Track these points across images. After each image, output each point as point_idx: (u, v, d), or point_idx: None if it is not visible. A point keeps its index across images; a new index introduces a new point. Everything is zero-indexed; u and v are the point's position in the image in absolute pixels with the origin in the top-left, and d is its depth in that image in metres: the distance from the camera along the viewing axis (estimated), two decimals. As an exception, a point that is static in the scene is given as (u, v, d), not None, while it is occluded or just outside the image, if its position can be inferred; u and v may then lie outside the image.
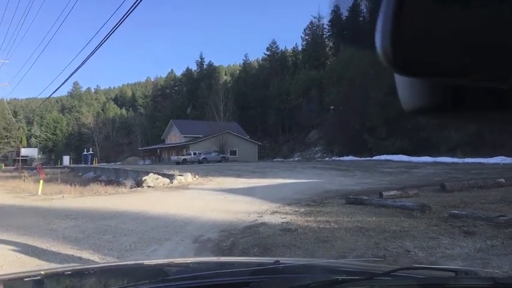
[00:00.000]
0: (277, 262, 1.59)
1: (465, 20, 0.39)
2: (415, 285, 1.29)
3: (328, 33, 66.56)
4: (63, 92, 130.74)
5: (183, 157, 44.13)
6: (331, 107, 46.31)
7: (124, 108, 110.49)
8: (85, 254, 6.28)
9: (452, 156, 25.93)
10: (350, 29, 0.57)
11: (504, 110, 0.48)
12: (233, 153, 49.10)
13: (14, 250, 6.59)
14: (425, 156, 27.73)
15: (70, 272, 1.93)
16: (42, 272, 1.90)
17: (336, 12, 0.60)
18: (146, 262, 2.91)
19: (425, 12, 0.40)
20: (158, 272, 1.88)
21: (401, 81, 0.50)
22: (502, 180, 12.86)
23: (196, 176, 20.34)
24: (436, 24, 0.40)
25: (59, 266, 5.45)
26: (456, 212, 7.89)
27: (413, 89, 0.48)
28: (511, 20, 0.39)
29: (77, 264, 5.37)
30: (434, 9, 0.40)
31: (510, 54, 0.40)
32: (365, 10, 0.53)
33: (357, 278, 1.35)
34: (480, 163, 22.54)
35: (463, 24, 0.39)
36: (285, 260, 1.77)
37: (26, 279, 1.68)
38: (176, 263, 2.33)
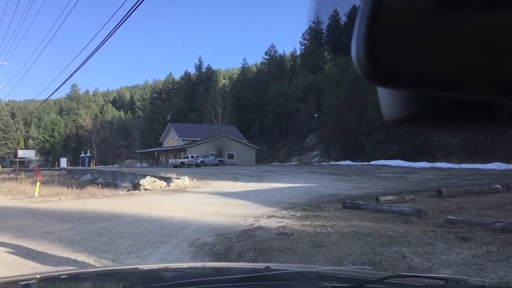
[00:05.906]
0: (267, 268, 1.58)
1: (448, 27, 0.37)
2: None
3: (327, 38, 66.57)
4: (62, 94, 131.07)
5: (180, 160, 44.17)
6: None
7: (122, 111, 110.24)
8: (80, 257, 6.26)
9: (449, 161, 25.98)
10: (332, 38, 0.55)
11: (486, 120, 0.47)
12: (231, 156, 49.10)
13: (9, 252, 6.56)
14: (422, 161, 27.79)
15: (65, 276, 1.93)
16: (38, 276, 1.89)
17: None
18: (141, 267, 2.91)
19: (403, 20, 0.37)
20: (151, 277, 1.88)
21: (382, 90, 0.48)
22: (498, 186, 12.87)
23: (194, 179, 20.31)
24: (415, 34, 0.37)
25: (54, 269, 5.44)
26: (452, 217, 7.90)
27: (394, 98, 0.47)
28: (494, 29, 0.36)
29: (73, 268, 5.35)
30: (412, 18, 0.37)
31: (490, 66, 0.37)
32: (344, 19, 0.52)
33: (347, 285, 1.35)
34: (476, 169, 22.59)
35: (447, 33, 0.37)
36: (276, 266, 1.76)
37: (21, 283, 1.67)
38: (171, 268, 2.33)
